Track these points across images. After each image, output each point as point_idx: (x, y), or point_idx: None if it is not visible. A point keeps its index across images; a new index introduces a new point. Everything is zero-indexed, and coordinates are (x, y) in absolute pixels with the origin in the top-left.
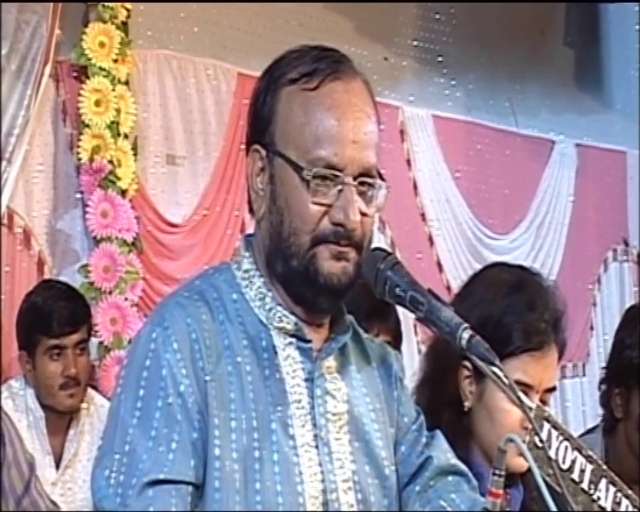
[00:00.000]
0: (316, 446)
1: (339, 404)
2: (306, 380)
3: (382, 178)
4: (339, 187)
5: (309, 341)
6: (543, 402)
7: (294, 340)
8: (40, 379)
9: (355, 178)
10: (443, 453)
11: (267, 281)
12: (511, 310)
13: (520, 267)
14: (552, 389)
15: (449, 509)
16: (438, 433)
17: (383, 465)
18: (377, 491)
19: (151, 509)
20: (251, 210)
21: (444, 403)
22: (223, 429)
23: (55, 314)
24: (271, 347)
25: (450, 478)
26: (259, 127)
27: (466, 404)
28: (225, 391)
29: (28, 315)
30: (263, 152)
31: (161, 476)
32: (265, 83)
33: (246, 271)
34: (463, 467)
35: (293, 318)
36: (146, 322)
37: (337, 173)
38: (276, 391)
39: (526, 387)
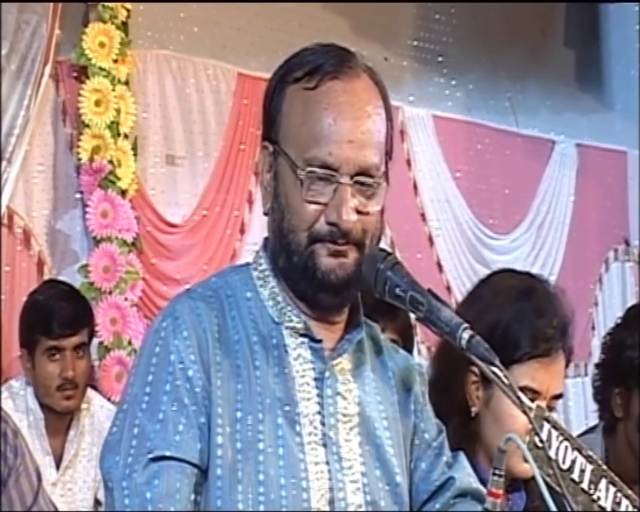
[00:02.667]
0: (324, 445)
1: (350, 405)
2: (315, 379)
3: (386, 177)
4: (334, 186)
5: (319, 341)
6: (550, 408)
7: (305, 339)
8: (38, 378)
9: (352, 177)
10: (466, 475)
11: (279, 281)
12: (520, 316)
13: (528, 274)
14: (559, 396)
15: None
16: (461, 455)
17: (394, 472)
18: (388, 497)
19: (156, 482)
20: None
21: (451, 408)
22: (227, 418)
23: (56, 315)
24: (281, 345)
25: (470, 499)
26: (268, 124)
27: (473, 409)
28: (232, 382)
29: (29, 314)
30: (271, 148)
31: (167, 453)
32: (275, 81)
33: (262, 271)
34: (484, 492)
35: (303, 317)
36: (159, 314)
37: (332, 172)
38: (285, 388)
39: (534, 394)
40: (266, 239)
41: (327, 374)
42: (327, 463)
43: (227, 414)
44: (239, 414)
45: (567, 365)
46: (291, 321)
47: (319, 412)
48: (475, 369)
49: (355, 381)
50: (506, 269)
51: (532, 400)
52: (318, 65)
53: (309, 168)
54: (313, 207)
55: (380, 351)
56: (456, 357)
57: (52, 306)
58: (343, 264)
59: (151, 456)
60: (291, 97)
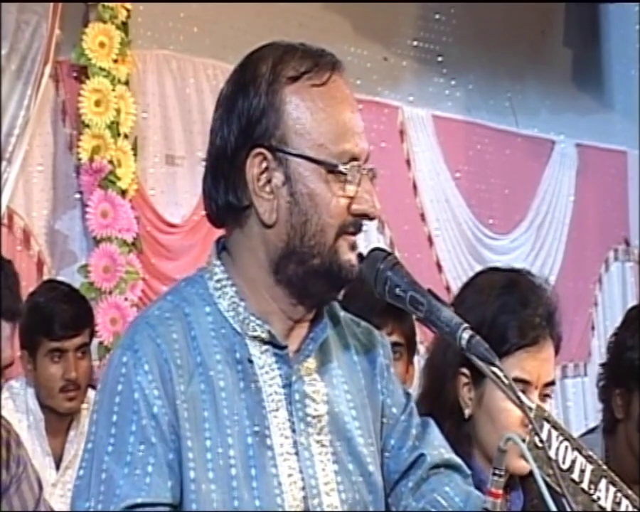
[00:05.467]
0: (296, 453)
1: (319, 405)
2: (284, 386)
3: None
4: (357, 177)
5: (284, 347)
6: (545, 396)
7: (269, 346)
8: (40, 380)
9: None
10: (436, 448)
11: (241, 289)
12: (505, 309)
13: (512, 269)
14: (551, 383)
15: (443, 502)
16: (430, 423)
17: (366, 462)
18: (363, 488)
19: None
20: (216, 215)
21: (444, 414)
22: (198, 450)
23: (57, 317)
24: (245, 358)
25: (443, 470)
26: (260, 131)
27: (467, 411)
28: (199, 410)
29: (30, 316)
30: (269, 155)
31: (139, 500)
32: (254, 85)
33: (218, 280)
34: (456, 460)
35: (266, 326)
36: (117, 344)
37: (360, 163)
38: (253, 403)
39: (524, 384)
40: (217, 245)
41: (294, 378)
42: (300, 471)
43: (197, 447)
44: (208, 443)
45: (556, 353)
46: (255, 330)
47: (289, 419)
48: (465, 371)
49: (321, 379)
50: (489, 267)
51: (524, 391)
52: (316, 62)
53: (353, 163)
54: (345, 200)
55: (341, 332)
56: (445, 363)
57: (53, 307)
58: (356, 259)
59: (123, 505)
60: (298, 97)
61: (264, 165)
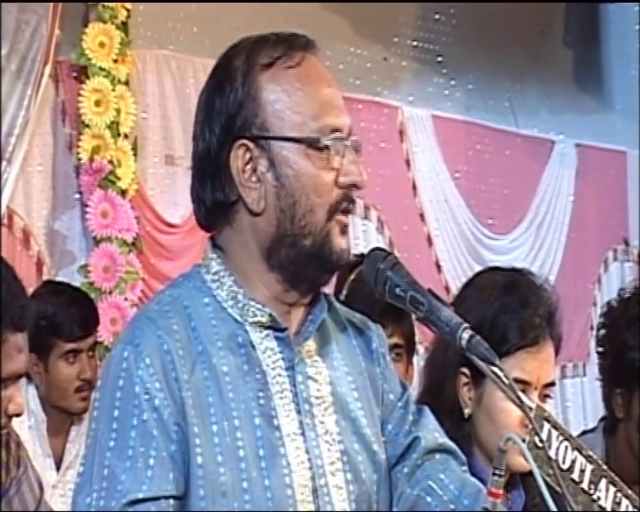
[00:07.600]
0: (302, 433)
1: (322, 386)
2: (287, 368)
3: None
4: (341, 149)
5: (285, 330)
6: (545, 396)
7: (270, 331)
8: (53, 382)
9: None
10: (430, 432)
11: (238, 279)
12: (505, 309)
13: (513, 269)
14: (551, 384)
15: (437, 490)
16: (426, 410)
17: (371, 441)
18: (368, 467)
19: None
20: (205, 217)
21: (444, 413)
22: (204, 435)
23: (73, 318)
24: (248, 343)
25: (438, 456)
26: (240, 123)
27: (466, 410)
28: (203, 397)
29: (39, 319)
30: (251, 145)
31: (140, 495)
32: (230, 81)
33: (215, 272)
34: (451, 445)
35: (267, 310)
36: (118, 340)
37: (342, 135)
38: (257, 385)
39: (524, 384)
40: (212, 240)
41: (296, 360)
42: (307, 451)
43: (204, 432)
44: (215, 428)
45: (556, 354)
46: (255, 315)
47: (294, 401)
48: (465, 370)
49: (323, 361)
50: (490, 267)
51: (523, 391)
52: (289, 45)
53: (334, 135)
54: (331, 175)
55: (338, 319)
56: (445, 362)
57: (67, 309)
58: (348, 243)
59: (125, 501)
60: (273, 82)
61: (247, 156)
